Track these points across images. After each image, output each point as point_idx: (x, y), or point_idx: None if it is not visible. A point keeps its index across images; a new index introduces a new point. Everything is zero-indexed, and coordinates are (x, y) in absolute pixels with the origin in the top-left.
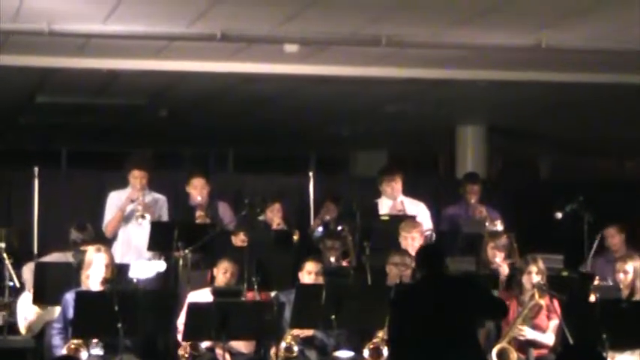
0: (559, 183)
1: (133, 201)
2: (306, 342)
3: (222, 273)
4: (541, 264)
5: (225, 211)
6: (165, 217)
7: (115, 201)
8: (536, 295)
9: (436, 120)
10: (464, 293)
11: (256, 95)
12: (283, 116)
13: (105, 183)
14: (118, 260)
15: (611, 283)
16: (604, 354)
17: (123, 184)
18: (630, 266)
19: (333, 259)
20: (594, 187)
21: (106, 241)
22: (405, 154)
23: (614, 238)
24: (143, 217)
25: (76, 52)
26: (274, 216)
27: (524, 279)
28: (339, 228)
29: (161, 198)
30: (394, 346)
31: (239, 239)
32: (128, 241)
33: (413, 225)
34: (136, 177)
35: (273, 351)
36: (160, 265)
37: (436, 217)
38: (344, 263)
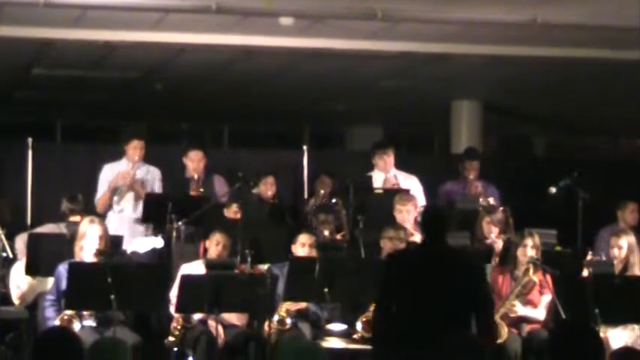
0: (553, 161)
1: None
2: (299, 315)
3: (215, 245)
4: (537, 239)
5: (220, 184)
6: (158, 190)
7: (108, 175)
8: (530, 271)
9: (431, 96)
10: (461, 272)
11: (252, 71)
12: (279, 92)
13: (99, 156)
14: (111, 232)
15: (604, 258)
16: (597, 329)
17: (117, 157)
18: (624, 241)
19: (327, 233)
20: (589, 165)
21: (97, 213)
22: (401, 130)
23: (635, 213)
24: (116, 205)
25: (72, 24)
26: (268, 189)
27: (519, 252)
28: (333, 201)
29: (155, 170)
30: (379, 317)
31: (232, 211)
32: (121, 213)
33: (408, 198)
34: (136, 147)
35: (266, 324)
36: (158, 242)
37: (432, 192)
38: (338, 237)
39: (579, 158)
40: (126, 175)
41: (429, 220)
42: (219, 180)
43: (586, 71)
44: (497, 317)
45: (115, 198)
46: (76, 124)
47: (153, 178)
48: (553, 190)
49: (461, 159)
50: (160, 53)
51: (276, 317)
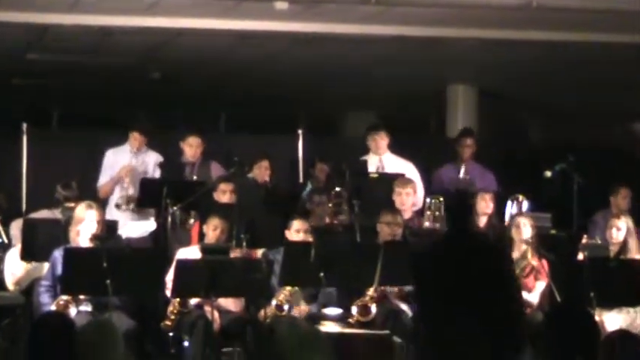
0: (548, 146)
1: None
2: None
3: (212, 230)
4: (532, 220)
5: (217, 170)
6: (154, 175)
7: (110, 161)
8: (529, 255)
9: (427, 80)
10: (490, 263)
11: (247, 57)
12: (274, 77)
13: (96, 142)
14: (107, 217)
15: (599, 242)
16: (592, 312)
17: (113, 144)
18: (623, 223)
19: (325, 217)
20: (583, 152)
21: (92, 199)
22: (396, 115)
23: (627, 198)
24: (122, 205)
25: (67, 10)
26: (262, 173)
27: (514, 232)
28: (337, 189)
29: (154, 155)
30: (424, 324)
31: (220, 192)
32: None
33: (407, 181)
34: (136, 139)
35: (262, 310)
36: (150, 225)
37: (427, 177)
38: (339, 219)
39: (575, 143)
40: (128, 169)
41: (450, 211)
42: (216, 166)
43: (582, 54)
44: None
45: (120, 194)
46: (72, 110)
47: (155, 163)
48: (548, 173)
49: (456, 138)
50: (156, 38)
51: (273, 302)
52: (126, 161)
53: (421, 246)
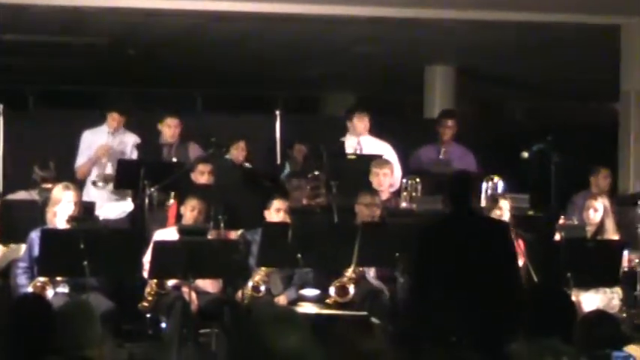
0: (526, 124)
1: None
2: None
3: (190, 211)
4: (510, 202)
5: (195, 151)
6: (132, 156)
7: (88, 141)
8: None
9: (405, 61)
10: (491, 241)
11: (225, 35)
12: (251, 55)
13: (72, 122)
14: (84, 198)
15: (576, 222)
16: (569, 292)
17: (90, 124)
18: (600, 204)
19: (303, 199)
20: (562, 129)
21: (69, 180)
22: (374, 95)
23: (608, 179)
24: (100, 182)
25: None
26: (239, 154)
27: (492, 214)
28: (316, 173)
29: (131, 136)
30: (416, 297)
31: (198, 173)
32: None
33: (384, 162)
34: (114, 119)
35: (240, 290)
36: (127, 205)
37: (404, 158)
38: (316, 201)
39: (553, 122)
40: (105, 148)
41: (451, 191)
42: (194, 147)
43: (561, 36)
44: None
45: (97, 172)
46: (48, 90)
47: (133, 145)
48: (525, 154)
49: (437, 119)
50: (131, 17)
51: (250, 283)
52: (103, 142)
53: (428, 220)
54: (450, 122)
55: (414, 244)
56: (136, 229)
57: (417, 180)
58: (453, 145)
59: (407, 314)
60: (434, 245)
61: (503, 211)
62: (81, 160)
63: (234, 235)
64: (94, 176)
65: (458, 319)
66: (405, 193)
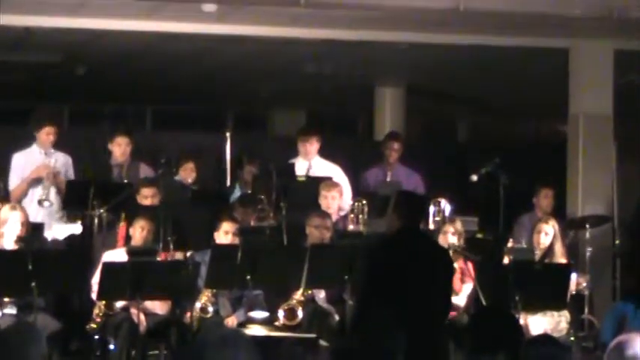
0: (476, 145)
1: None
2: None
3: (139, 232)
4: (459, 225)
5: (145, 172)
6: (71, 176)
7: (21, 163)
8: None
9: (355, 80)
10: (440, 262)
11: (175, 54)
12: (202, 74)
13: (12, 140)
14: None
15: (524, 245)
16: (516, 315)
17: (21, 145)
18: (550, 227)
19: (251, 221)
20: (510, 150)
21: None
22: (324, 115)
23: (549, 198)
24: (46, 201)
25: None
26: (187, 175)
27: (440, 239)
28: (261, 197)
29: (67, 157)
30: (360, 310)
31: (142, 196)
32: (50, 207)
33: (333, 184)
34: (49, 133)
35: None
36: (76, 228)
37: (354, 178)
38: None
39: (502, 143)
40: (46, 167)
41: (407, 204)
42: (145, 168)
43: (509, 57)
44: None
45: (40, 192)
46: None
47: (69, 165)
48: (474, 177)
49: (383, 141)
50: (81, 36)
51: (198, 304)
52: (39, 162)
53: (374, 239)
54: (395, 145)
55: (361, 262)
56: (82, 247)
57: (364, 202)
58: (399, 166)
59: (352, 333)
60: (381, 264)
61: (452, 234)
62: (14, 181)
63: (184, 256)
64: (36, 196)
65: (404, 339)
66: (352, 215)
